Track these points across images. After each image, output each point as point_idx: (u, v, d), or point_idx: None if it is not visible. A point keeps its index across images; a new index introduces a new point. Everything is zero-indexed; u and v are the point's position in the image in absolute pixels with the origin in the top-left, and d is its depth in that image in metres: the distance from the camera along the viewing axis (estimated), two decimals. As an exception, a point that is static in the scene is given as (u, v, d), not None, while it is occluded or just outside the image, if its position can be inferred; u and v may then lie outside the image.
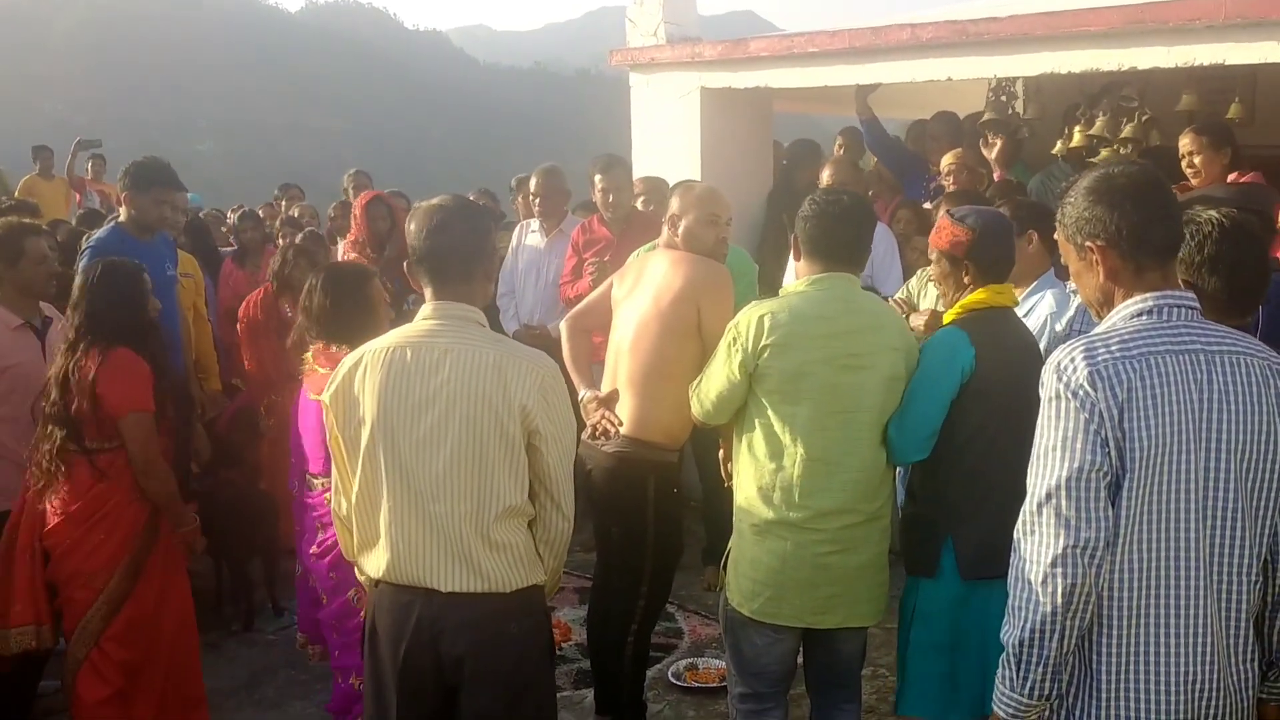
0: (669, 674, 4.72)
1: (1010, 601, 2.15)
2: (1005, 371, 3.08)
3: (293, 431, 3.82)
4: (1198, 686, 2.09)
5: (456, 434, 2.62)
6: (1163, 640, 2.09)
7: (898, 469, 3.74)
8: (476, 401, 2.62)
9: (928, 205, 5.90)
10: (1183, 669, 2.08)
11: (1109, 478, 2.04)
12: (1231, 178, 4.59)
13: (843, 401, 3.14)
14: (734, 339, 3.22)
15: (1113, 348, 2.09)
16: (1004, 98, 6.21)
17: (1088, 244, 2.22)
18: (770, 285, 5.39)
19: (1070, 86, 6.17)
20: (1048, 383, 2.12)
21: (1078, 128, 5.92)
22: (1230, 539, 2.11)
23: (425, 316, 2.74)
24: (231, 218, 9.03)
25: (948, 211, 3.33)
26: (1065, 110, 6.25)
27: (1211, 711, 2.11)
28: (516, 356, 2.70)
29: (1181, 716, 2.09)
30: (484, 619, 2.68)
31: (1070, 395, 2.07)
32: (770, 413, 3.18)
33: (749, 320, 3.19)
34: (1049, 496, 2.06)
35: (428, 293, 2.77)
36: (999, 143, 5.93)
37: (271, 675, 4.79)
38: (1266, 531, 2.16)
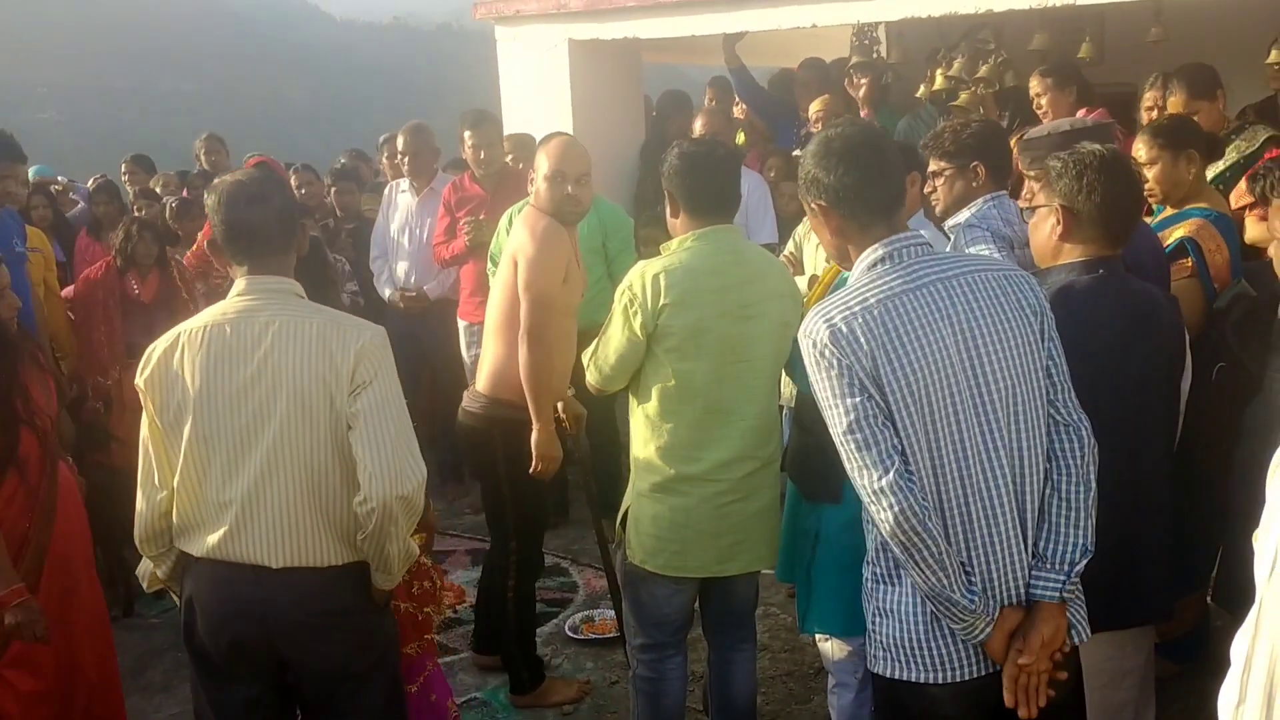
0: (565, 627, 4.75)
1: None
2: None
3: None
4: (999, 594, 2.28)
5: (284, 409, 2.57)
6: (970, 553, 2.26)
7: (783, 410, 3.84)
8: (303, 371, 2.57)
9: (797, 153, 5.98)
10: (990, 578, 2.26)
11: (881, 419, 2.21)
12: (1080, 114, 4.76)
13: (738, 352, 3.19)
14: (630, 300, 3.16)
15: (853, 306, 2.23)
16: (867, 43, 6.30)
17: (814, 204, 2.39)
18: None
19: (931, 31, 6.31)
20: (804, 349, 2.29)
21: (939, 70, 6.06)
22: (1016, 443, 2.27)
23: (240, 293, 2.67)
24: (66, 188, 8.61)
25: None
26: (927, 54, 6.38)
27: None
28: (339, 324, 2.66)
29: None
30: (313, 594, 2.64)
31: (820, 357, 2.23)
32: (668, 370, 3.17)
33: (643, 280, 3.15)
34: (842, 446, 2.25)
35: (240, 270, 2.69)
36: (865, 83, 6.04)
37: (157, 658, 4.67)
38: (1046, 425, 2.32)
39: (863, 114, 6.00)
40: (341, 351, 2.58)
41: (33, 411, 3.44)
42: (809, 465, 3.34)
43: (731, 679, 3.51)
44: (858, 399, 2.19)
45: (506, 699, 4.23)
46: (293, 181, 7.22)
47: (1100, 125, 3.71)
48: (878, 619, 2.38)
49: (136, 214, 6.91)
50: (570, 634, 4.71)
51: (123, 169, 7.93)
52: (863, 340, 2.19)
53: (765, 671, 4.38)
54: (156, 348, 2.68)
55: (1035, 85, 5.20)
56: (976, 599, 2.24)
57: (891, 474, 2.18)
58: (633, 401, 3.32)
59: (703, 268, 3.18)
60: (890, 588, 2.34)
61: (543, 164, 3.90)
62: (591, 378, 3.34)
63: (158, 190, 7.48)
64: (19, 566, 3.33)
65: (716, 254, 3.21)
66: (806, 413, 3.42)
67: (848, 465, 2.26)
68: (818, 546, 3.29)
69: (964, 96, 6.00)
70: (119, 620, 5.02)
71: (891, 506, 2.18)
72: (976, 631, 2.26)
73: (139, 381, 2.69)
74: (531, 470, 3.88)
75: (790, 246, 4.93)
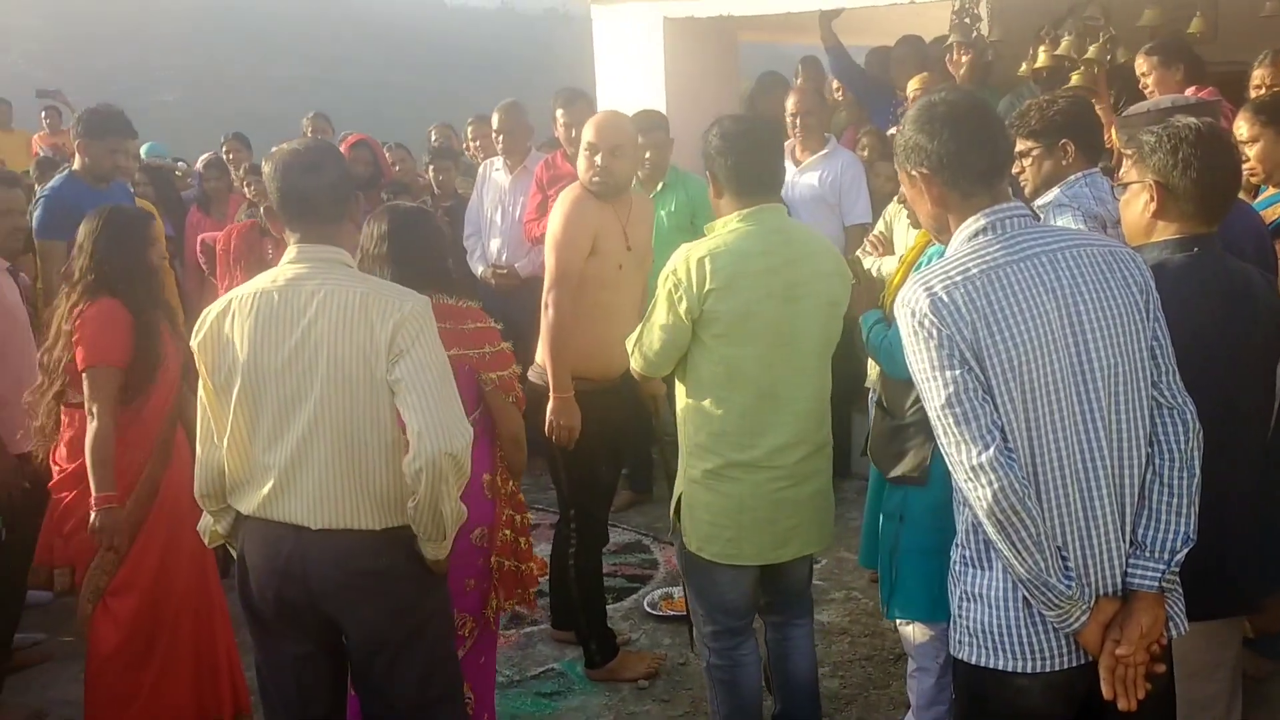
0: (644, 603, 4.78)
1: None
2: None
3: None
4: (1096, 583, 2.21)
5: (324, 376, 2.62)
6: (1065, 538, 2.19)
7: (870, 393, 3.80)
8: (344, 339, 2.61)
9: (893, 132, 5.88)
10: (1086, 565, 2.20)
11: (981, 393, 2.14)
12: (1189, 93, 4.58)
13: (787, 335, 3.13)
14: (675, 285, 3.09)
15: (953, 275, 2.17)
16: (968, 20, 6.15)
17: (913, 172, 2.32)
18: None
19: (1034, 7, 6.13)
20: (901, 320, 2.22)
21: (1043, 48, 5.88)
22: (1117, 424, 2.20)
23: (291, 260, 2.73)
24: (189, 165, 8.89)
25: None
26: (1030, 31, 6.21)
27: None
28: (382, 293, 2.69)
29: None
30: (351, 556, 2.69)
31: (919, 327, 2.17)
32: (716, 356, 3.12)
33: (688, 265, 3.08)
34: (939, 420, 2.18)
35: (294, 237, 2.74)
36: (966, 59, 5.90)
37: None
38: (1149, 407, 2.24)
39: (962, 92, 5.87)
40: (381, 321, 2.61)
41: (165, 355, 3.69)
42: (892, 448, 3.31)
43: (790, 655, 3.49)
44: (957, 371, 2.13)
45: (583, 671, 4.26)
46: (387, 159, 7.37)
47: (1203, 102, 3.58)
48: (965, 603, 2.31)
49: (246, 191, 7.14)
50: (649, 610, 4.73)
51: (224, 147, 8.16)
52: (964, 310, 2.13)
53: (844, 655, 4.36)
54: (211, 311, 2.76)
55: (1141, 64, 5.00)
56: (1074, 584, 2.17)
57: (992, 450, 2.11)
58: (680, 388, 3.26)
59: (749, 249, 3.10)
60: (980, 571, 2.27)
61: (582, 137, 3.97)
62: (636, 363, 3.29)
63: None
64: (129, 495, 3.60)
65: (763, 235, 3.14)
66: (890, 394, 3.38)
67: (944, 441, 2.19)
68: (902, 530, 3.26)
69: (1076, 77, 5.82)
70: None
71: (991, 484, 2.10)
72: (1072, 620, 2.18)
73: (193, 343, 2.77)
74: (551, 436, 3.94)
75: (880, 226, 4.86)
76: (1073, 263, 2.20)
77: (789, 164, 5.79)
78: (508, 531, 3.45)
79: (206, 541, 3.02)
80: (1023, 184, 3.50)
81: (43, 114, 11.58)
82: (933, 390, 2.17)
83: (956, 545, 2.35)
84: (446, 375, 2.69)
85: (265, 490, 2.71)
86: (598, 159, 3.93)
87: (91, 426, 3.53)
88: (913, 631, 3.40)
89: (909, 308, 2.19)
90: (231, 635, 3.92)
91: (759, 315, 3.09)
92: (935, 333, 2.14)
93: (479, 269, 6.41)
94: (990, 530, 2.16)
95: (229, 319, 2.71)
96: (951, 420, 2.14)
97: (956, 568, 2.34)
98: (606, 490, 4.29)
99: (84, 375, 3.56)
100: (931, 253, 3.23)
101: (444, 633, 2.93)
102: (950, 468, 2.21)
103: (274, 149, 2.84)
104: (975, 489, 2.13)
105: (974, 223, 2.23)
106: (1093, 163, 3.37)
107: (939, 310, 2.14)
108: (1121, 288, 2.21)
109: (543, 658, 4.39)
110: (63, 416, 3.72)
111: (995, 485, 2.10)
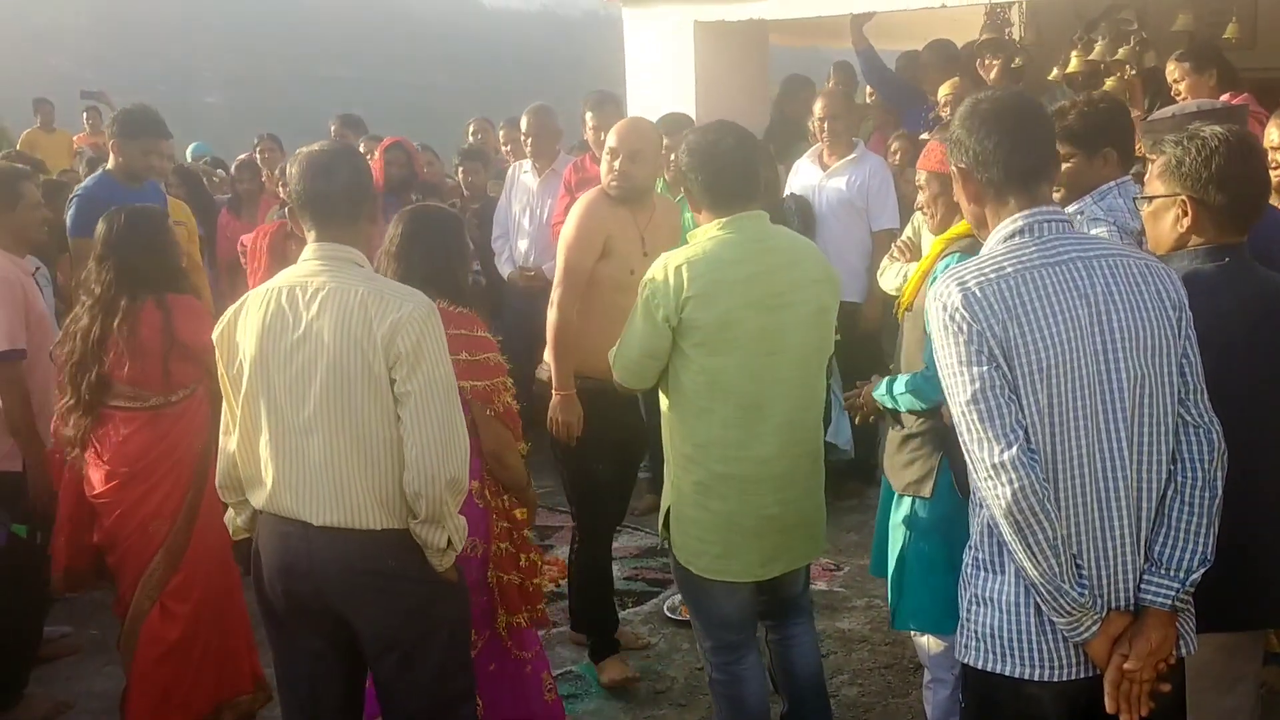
0: (665, 608, 4.77)
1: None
2: None
3: None
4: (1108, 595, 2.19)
5: (324, 370, 2.65)
6: (1080, 546, 2.17)
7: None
8: (342, 337, 2.64)
9: (925, 136, 5.84)
10: (1099, 576, 2.18)
11: (1008, 391, 2.13)
12: (1224, 99, 4.52)
13: (770, 344, 3.07)
14: (650, 294, 3.03)
15: (987, 272, 2.16)
16: (1000, 23, 6.11)
17: (954, 166, 2.34)
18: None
19: (1067, 10, 6.09)
20: (932, 313, 2.21)
21: (1074, 52, 5.83)
22: (1139, 437, 2.18)
23: (306, 258, 2.78)
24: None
25: (936, 134, 3.37)
26: (1065, 35, 6.15)
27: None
28: (384, 293, 2.70)
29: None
30: (356, 555, 2.70)
31: (949, 320, 2.15)
32: (697, 366, 3.05)
33: (664, 273, 3.02)
34: (963, 416, 2.16)
35: (311, 235, 2.79)
36: (997, 64, 5.84)
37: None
38: (1174, 423, 2.21)
39: (992, 99, 5.81)
40: (379, 319, 2.63)
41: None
42: (900, 458, 3.28)
43: (792, 653, 3.44)
44: (985, 368, 2.11)
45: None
46: (422, 161, 7.41)
47: (1230, 108, 3.50)
48: (975, 607, 2.28)
49: (279, 191, 7.21)
50: (669, 614, 4.71)
51: (257, 147, 8.24)
52: (996, 306, 2.12)
53: (864, 664, 4.33)
54: (232, 308, 2.82)
55: (1172, 70, 4.93)
56: (1086, 592, 2.14)
57: (1015, 449, 2.09)
58: (664, 400, 3.20)
59: (727, 257, 3.04)
60: (992, 575, 2.24)
61: (605, 141, 4.02)
62: (616, 373, 3.23)
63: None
64: (188, 485, 3.72)
65: (741, 243, 3.07)
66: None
67: (966, 437, 2.16)
68: (910, 541, 3.23)
69: (1110, 82, 5.77)
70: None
71: (1011, 483, 2.08)
72: (1082, 629, 2.16)
73: (213, 337, 2.84)
74: (552, 431, 3.99)
75: (909, 231, 4.81)
76: (1108, 272, 2.18)
77: (815, 168, 5.77)
78: (504, 544, 3.39)
79: (231, 534, 3.07)
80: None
81: (84, 114, 11.77)
82: (958, 385, 2.15)
83: (969, 547, 2.32)
84: (449, 388, 2.71)
85: (270, 484, 2.74)
86: (617, 163, 3.94)
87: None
88: (928, 642, 3.36)
89: (940, 301, 2.18)
90: (246, 615, 3.96)
91: (739, 324, 3.02)
92: (965, 327, 2.13)
93: (506, 270, 6.44)
94: (1006, 531, 2.13)
95: (243, 314, 2.76)
96: (975, 416, 2.12)
97: (968, 570, 2.31)
98: (607, 488, 4.25)
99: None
100: (948, 260, 3.20)
101: (459, 639, 2.92)
102: (970, 465, 2.19)
103: (298, 150, 2.90)
104: (995, 487, 2.11)
105: (1011, 223, 2.23)
106: (1126, 170, 3.30)
107: (971, 305, 2.13)
108: (1155, 302, 2.19)
109: (561, 660, 4.40)
110: (105, 422, 3.68)
111: (1015, 484, 2.08)
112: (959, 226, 3.20)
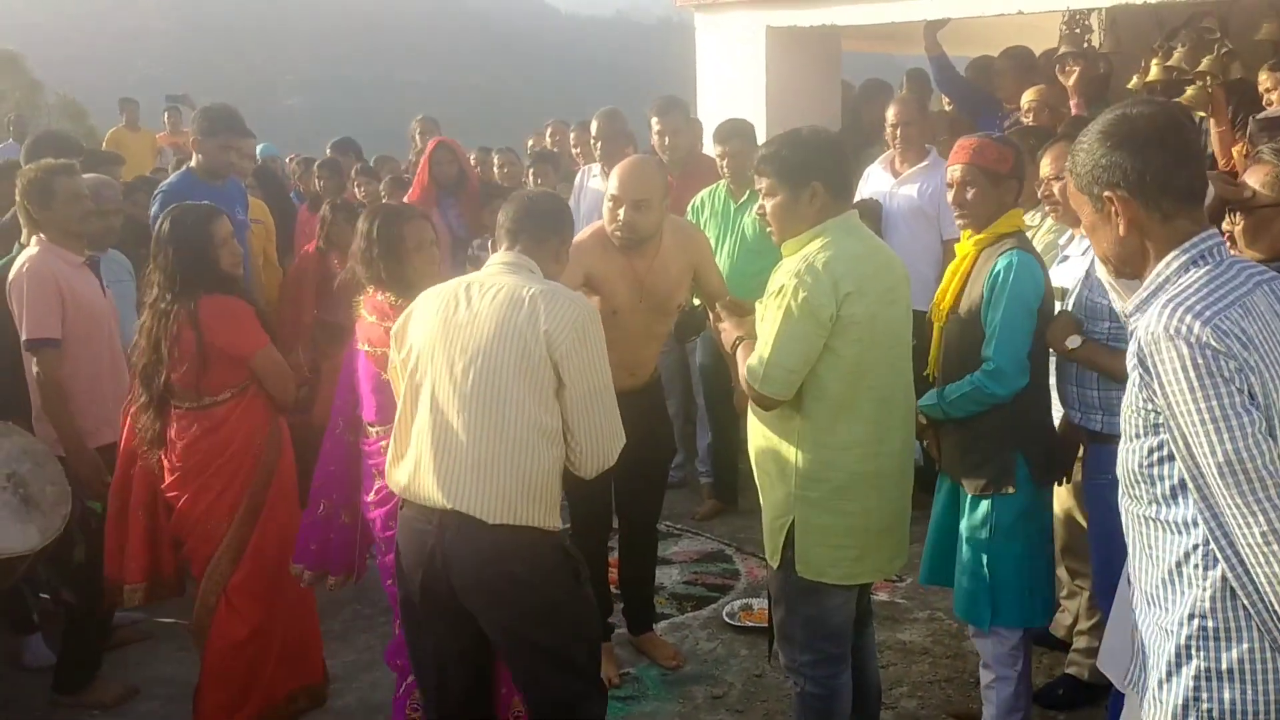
0: (724, 613, 4.75)
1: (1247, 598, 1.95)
2: (1048, 287, 3.31)
3: (345, 378, 3.70)
4: None
5: (482, 355, 2.83)
6: None
7: None
8: (505, 328, 2.84)
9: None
10: None
11: (1268, 434, 1.89)
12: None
13: (895, 336, 3.12)
14: (808, 296, 2.92)
15: (1211, 300, 1.92)
16: (1078, 31, 5.99)
17: (1106, 194, 2.05)
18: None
19: (1148, 19, 5.95)
20: (1167, 354, 1.90)
21: (1154, 60, 5.69)
22: None
23: (490, 264, 3.08)
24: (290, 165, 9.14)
25: (987, 134, 3.49)
26: (1143, 44, 6.02)
27: None
28: (555, 294, 2.90)
29: None
30: (489, 554, 2.84)
31: (1200, 359, 1.88)
32: (847, 363, 2.99)
33: (816, 271, 2.94)
34: (1226, 468, 1.88)
35: (503, 246, 3.11)
36: (1076, 70, 5.70)
37: (338, 609, 4.93)
38: None
39: (1073, 103, 5.69)
40: (548, 313, 2.83)
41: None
42: (970, 459, 3.31)
43: (866, 664, 3.46)
44: (1254, 413, 1.86)
45: (658, 677, 4.27)
46: (495, 162, 7.48)
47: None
48: (1210, 682, 1.98)
49: (357, 190, 7.32)
50: (728, 620, 4.70)
51: (333, 150, 8.37)
52: (1245, 339, 1.87)
53: (925, 676, 4.27)
54: (416, 300, 3.07)
55: (1265, 79, 4.81)
56: None
57: None
58: (787, 408, 3.07)
59: (859, 252, 3.06)
60: (1229, 644, 1.96)
61: (608, 184, 3.91)
62: (771, 388, 3.00)
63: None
64: (250, 480, 3.79)
65: (862, 240, 3.12)
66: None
67: (1221, 496, 1.88)
68: (993, 542, 3.26)
69: (1190, 91, 5.62)
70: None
71: None
72: None
73: (394, 325, 3.08)
74: None
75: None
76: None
77: (887, 174, 5.72)
78: None
79: None
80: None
81: (165, 114, 12.08)
82: (1217, 435, 1.87)
83: (1191, 617, 1.99)
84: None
85: (414, 465, 2.91)
86: (621, 212, 3.82)
87: (296, 396, 3.89)
88: (991, 641, 3.36)
89: (1180, 340, 1.88)
90: (315, 608, 4.08)
91: (880, 317, 3.03)
92: (1225, 364, 1.86)
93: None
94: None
95: (423, 304, 3.00)
96: (1248, 468, 1.85)
97: (1193, 643, 1.99)
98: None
99: (251, 365, 3.74)
100: (1008, 258, 3.18)
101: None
102: (1222, 524, 1.91)
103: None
104: (1278, 543, 1.84)
105: (1190, 249, 2.00)
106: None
107: (1224, 339, 1.86)
108: None
109: (620, 662, 4.40)
110: (173, 421, 3.75)
111: None
112: (1000, 224, 3.24)
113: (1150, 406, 1.97)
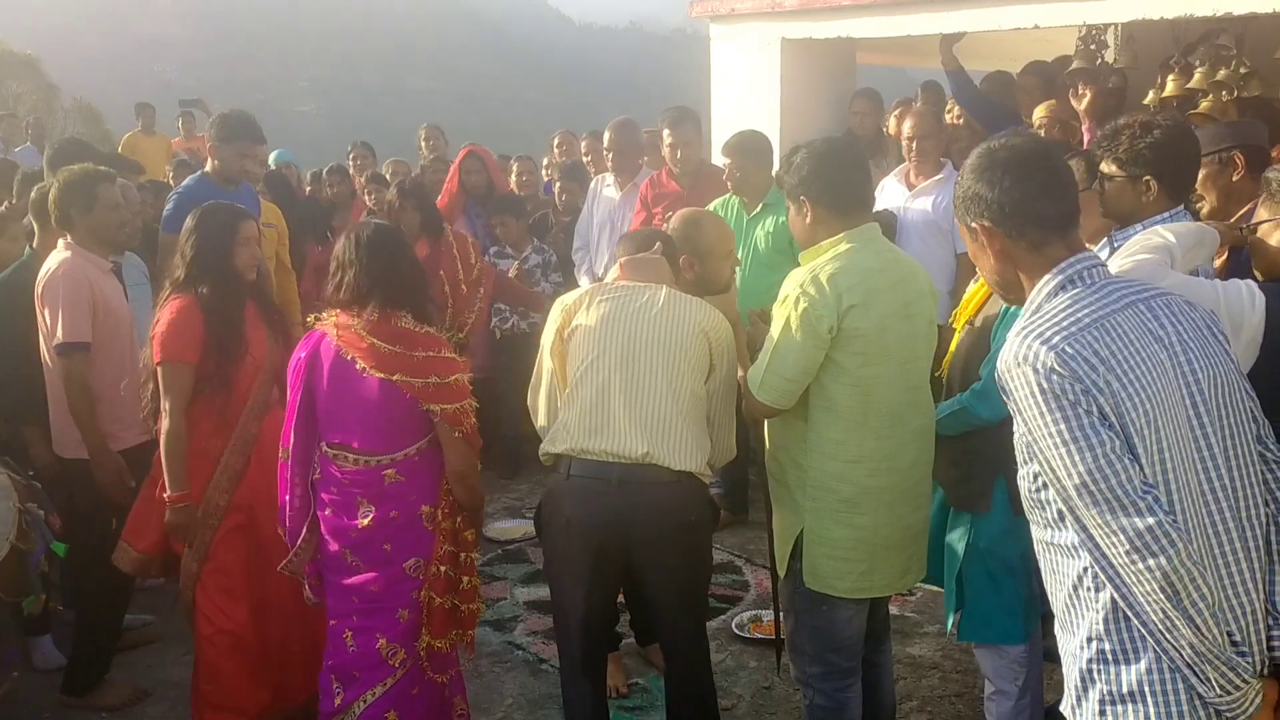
0: (733, 625, 4.74)
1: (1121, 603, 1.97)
2: None
3: (295, 398, 3.47)
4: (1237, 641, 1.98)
5: (663, 342, 3.20)
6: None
7: None
8: (682, 321, 3.23)
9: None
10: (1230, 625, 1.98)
11: (1127, 451, 1.91)
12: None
13: (908, 351, 3.09)
14: (809, 307, 2.95)
15: (1064, 325, 1.97)
16: (1094, 46, 5.98)
17: (974, 224, 2.13)
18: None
19: (1164, 34, 5.94)
20: (1017, 380, 1.98)
21: (1171, 76, 5.69)
22: (1235, 483, 2.02)
23: (615, 277, 3.40)
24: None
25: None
26: (1159, 60, 6.01)
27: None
28: (701, 301, 3.34)
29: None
30: (668, 495, 3.16)
31: (1045, 384, 1.93)
32: (852, 377, 3.00)
33: (819, 283, 2.97)
34: (1083, 490, 1.92)
35: (618, 263, 3.48)
36: (1088, 94, 5.67)
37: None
38: (1259, 462, 2.07)
39: (1084, 128, 5.65)
40: (704, 316, 3.26)
41: (245, 350, 3.78)
42: (955, 473, 3.29)
43: (880, 682, 3.45)
44: (1101, 433, 1.89)
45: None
46: (514, 170, 7.48)
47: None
48: (1114, 706, 1.99)
49: (366, 199, 7.35)
50: (737, 631, 4.69)
51: (350, 154, 8.40)
52: (1093, 360, 1.91)
53: (935, 691, 4.26)
54: (571, 295, 3.39)
55: None
56: (1250, 659, 1.94)
57: (1159, 513, 1.87)
58: (798, 418, 3.12)
59: (871, 265, 3.05)
60: (1128, 666, 1.97)
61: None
62: (766, 396, 3.05)
63: (386, 176, 7.88)
64: (208, 483, 3.72)
65: (877, 252, 3.10)
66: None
67: (1087, 515, 1.92)
68: (968, 556, 3.25)
69: (1205, 104, 5.61)
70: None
71: (1163, 550, 1.85)
72: (1246, 703, 1.93)
73: (558, 304, 3.38)
74: None
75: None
76: (1164, 313, 2.03)
77: (901, 187, 5.71)
78: (443, 567, 3.41)
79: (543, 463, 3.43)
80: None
81: (178, 120, 12.14)
82: (1069, 456, 1.91)
83: (1090, 640, 2.02)
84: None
85: (588, 427, 3.19)
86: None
87: (164, 423, 3.65)
88: (990, 654, 3.34)
89: (1028, 365, 1.94)
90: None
91: (890, 331, 3.02)
92: (1068, 387, 1.91)
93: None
94: (1160, 606, 1.89)
95: (589, 297, 3.32)
96: (1102, 488, 1.89)
97: (1093, 666, 2.01)
98: None
99: (157, 370, 3.68)
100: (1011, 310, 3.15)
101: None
102: (1096, 545, 1.94)
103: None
104: (1143, 560, 1.87)
105: (1058, 275, 2.05)
106: (1176, 202, 3.11)
107: (1068, 362, 1.91)
108: (1214, 339, 2.06)
109: (629, 672, 4.39)
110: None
111: (1169, 551, 1.86)
112: None
113: (1023, 431, 2.03)
